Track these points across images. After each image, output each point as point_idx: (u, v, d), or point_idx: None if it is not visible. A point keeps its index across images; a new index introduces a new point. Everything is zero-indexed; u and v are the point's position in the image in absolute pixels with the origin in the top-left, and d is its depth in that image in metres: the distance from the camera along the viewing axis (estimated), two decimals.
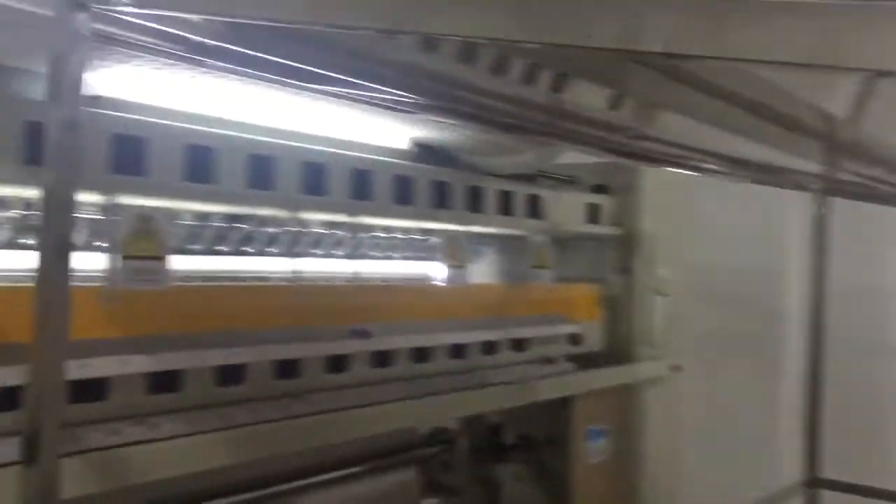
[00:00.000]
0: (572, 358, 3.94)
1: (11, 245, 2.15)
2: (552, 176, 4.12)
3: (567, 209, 3.94)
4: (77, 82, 1.42)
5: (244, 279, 2.79)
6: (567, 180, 4.23)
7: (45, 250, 1.46)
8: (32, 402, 1.52)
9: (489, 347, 3.48)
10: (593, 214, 4.10)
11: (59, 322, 1.49)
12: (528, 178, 3.89)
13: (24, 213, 2.17)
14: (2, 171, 1.94)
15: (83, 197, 2.18)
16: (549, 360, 3.87)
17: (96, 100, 2.24)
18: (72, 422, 2.08)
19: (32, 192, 2.08)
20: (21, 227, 2.18)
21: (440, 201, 3.17)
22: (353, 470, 3.23)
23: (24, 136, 1.96)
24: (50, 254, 1.46)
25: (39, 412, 1.52)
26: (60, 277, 1.47)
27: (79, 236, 2.20)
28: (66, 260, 1.47)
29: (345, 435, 2.63)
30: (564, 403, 3.84)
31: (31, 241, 2.18)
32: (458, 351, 3.31)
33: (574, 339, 3.96)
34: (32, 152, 1.96)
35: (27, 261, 2.23)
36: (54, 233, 1.46)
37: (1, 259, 2.18)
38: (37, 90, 2.17)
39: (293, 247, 2.83)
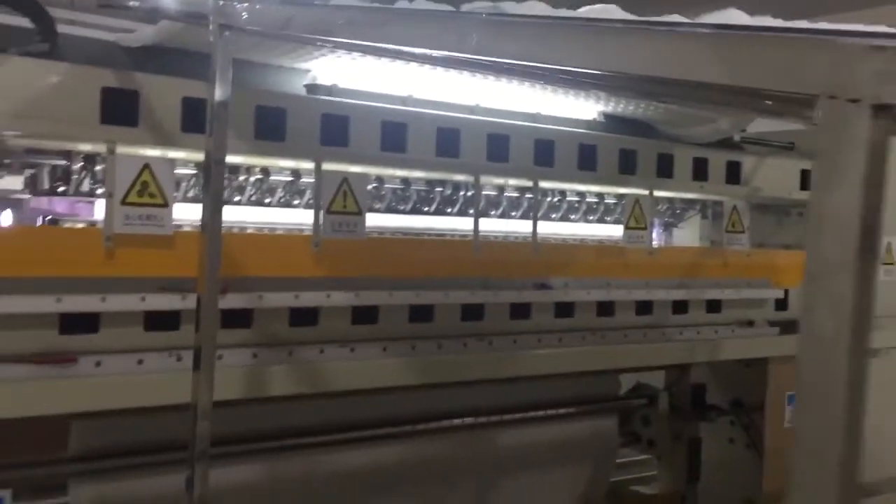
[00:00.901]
0: (777, 323, 3.98)
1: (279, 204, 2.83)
2: (765, 143, 4.15)
3: (777, 175, 3.97)
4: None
5: (443, 235, 3.26)
6: (784, 147, 4.23)
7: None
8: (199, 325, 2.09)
9: (680, 307, 3.66)
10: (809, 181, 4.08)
11: (214, 262, 2.04)
12: (733, 145, 3.98)
13: (260, 177, 2.79)
14: (241, 146, 2.54)
15: (303, 165, 2.76)
16: (748, 323, 3.95)
17: (313, 87, 2.80)
18: (290, 341, 2.66)
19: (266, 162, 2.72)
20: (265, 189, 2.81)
21: (628, 168, 3.41)
22: (558, 411, 3.61)
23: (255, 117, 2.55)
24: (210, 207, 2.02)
25: (203, 333, 2.08)
26: (215, 226, 2.03)
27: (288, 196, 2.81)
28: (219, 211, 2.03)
29: (517, 370, 3.02)
30: (765, 367, 3.91)
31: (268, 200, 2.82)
32: (645, 308, 3.54)
33: (779, 303, 3.99)
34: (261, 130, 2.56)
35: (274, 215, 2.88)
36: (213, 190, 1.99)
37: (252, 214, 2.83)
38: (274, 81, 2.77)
39: (485, 208, 3.25)
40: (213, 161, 2.04)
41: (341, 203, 2.70)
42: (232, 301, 2.49)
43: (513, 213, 3.33)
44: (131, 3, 2.46)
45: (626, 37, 1.17)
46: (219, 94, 1.99)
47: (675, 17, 1.23)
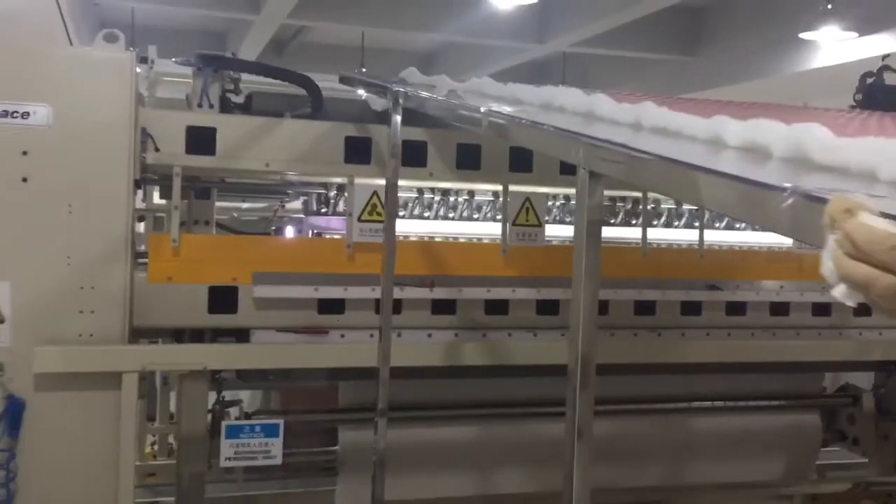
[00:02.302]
0: None
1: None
2: None
3: None
4: None
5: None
6: None
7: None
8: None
9: (862, 309, 3.90)
10: None
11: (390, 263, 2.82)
12: None
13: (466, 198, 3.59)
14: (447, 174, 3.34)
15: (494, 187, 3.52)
16: None
17: None
18: (485, 326, 3.41)
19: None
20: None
21: None
22: (762, 403, 4.01)
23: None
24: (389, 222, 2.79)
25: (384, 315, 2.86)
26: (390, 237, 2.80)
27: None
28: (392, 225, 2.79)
29: (684, 356, 3.53)
30: None
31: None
32: (822, 309, 3.84)
33: None
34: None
35: None
36: None
37: None
38: None
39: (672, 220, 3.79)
40: (388, 186, 2.87)
41: (524, 217, 3.41)
42: (438, 293, 3.30)
43: (675, 223, 3.83)
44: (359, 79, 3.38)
45: None
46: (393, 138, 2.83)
47: None
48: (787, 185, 1.05)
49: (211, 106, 3.28)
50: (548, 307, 3.49)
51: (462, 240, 3.70)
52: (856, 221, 0.86)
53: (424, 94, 2.60)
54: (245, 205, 3.98)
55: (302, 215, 3.70)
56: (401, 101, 2.75)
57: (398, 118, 2.86)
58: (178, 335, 3.26)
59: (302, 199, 3.70)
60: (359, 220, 3.26)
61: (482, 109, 2.20)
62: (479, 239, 3.64)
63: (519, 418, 3.62)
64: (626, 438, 3.68)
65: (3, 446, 2.83)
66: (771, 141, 1.30)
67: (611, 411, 3.61)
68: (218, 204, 3.82)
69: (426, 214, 3.63)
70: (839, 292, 0.88)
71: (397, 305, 3.33)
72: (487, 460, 3.61)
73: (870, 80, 4.21)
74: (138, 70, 3.07)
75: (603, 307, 3.57)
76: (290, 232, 3.82)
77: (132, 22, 8.97)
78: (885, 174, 1.08)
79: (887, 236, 0.83)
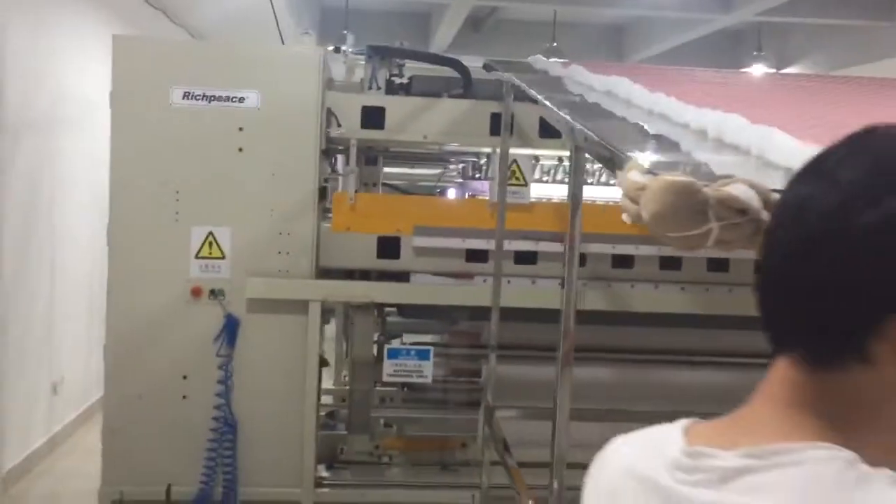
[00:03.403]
0: None
1: None
2: None
3: None
4: None
5: None
6: None
7: None
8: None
9: None
10: None
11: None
12: None
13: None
14: None
15: None
16: None
17: None
18: (610, 277, 3.92)
19: None
20: None
21: None
22: None
23: None
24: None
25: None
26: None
27: None
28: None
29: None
30: None
31: None
32: None
33: None
34: None
35: None
36: None
37: None
38: None
39: None
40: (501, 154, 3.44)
41: None
42: None
43: None
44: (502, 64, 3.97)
45: None
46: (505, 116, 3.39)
47: None
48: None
49: (379, 88, 4.01)
50: (669, 263, 3.93)
51: (598, 202, 4.22)
52: (625, 175, 1.38)
53: (521, 82, 3.11)
54: (417, 171, 4.70)
55: (460, 180, 4.37)
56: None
57: (510, 99, 3.43)
58: (350, 276, 4.05)
59: (460, 166, 4.36)
60: (500, 184, 3.87)
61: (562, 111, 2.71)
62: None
63: (641, 363, 4.12)
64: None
65: (224, 353, 3.74)
66: (709, 127, 1.76)
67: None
68: (394, 170, 4.58)
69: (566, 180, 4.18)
70: (624, 218, 1.40)
71: (533, 257, 3.92)
72: (614, 399, 4.13)
73: None
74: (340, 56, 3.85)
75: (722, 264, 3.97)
76: (451, 193, 4.50)
77: (346, 7, 10.05)
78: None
79: (632, 184, 1.35)
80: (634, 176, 1.40)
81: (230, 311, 3.75)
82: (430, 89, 4.01)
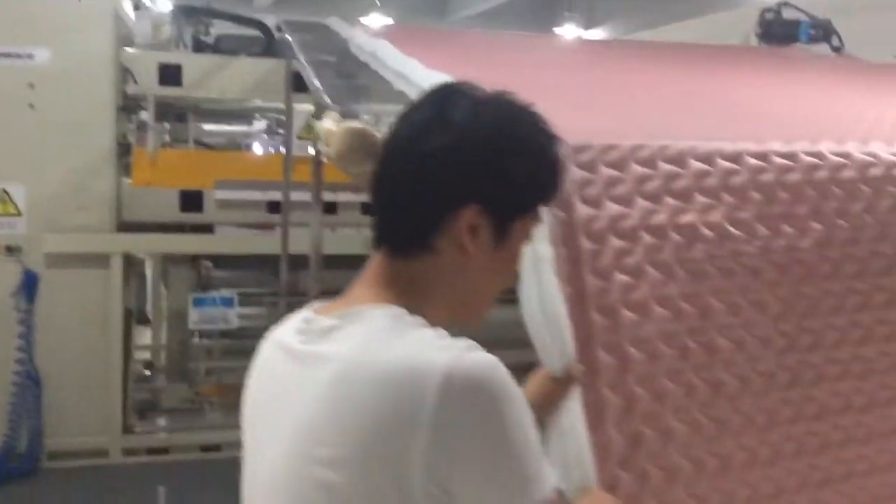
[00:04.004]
0: None
1: None
2: None
3: None
4: None
5: None
6: None
7: None
8: None
9: None
10: None
11: None
12: None
13: None
14: None
15: None
16: None
17: None
18: None
19: None
20: None
21: None
22: None
23: None
24: None
25: None
26: None
27: None
28: None
29: None
30: None
31: None
32: None
33: None
34: None
35: None
36: None
37: None
38: None
39: None
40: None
41: None
42: (364, 198, 4.10)
43: None
44: None
45: None
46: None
47: None
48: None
49: (186, 46, 4.10)
50: None
51: None
52: (321, 123, 1.65)
53: (295, 43, 3.25)
54: (229, 127, 4.80)
55: (265, 135, 4.53)
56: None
57: (292, 59, 3.60)
58: (164, 230, 4.15)
59: (265, 123, 4.52)
60: (297, 138, 4.06)
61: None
62: None
63: None
64: None
65: (23, 308, 3.78)
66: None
67: None
68: (216, 128, 4.68)
69: None
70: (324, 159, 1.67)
71: (333, 207, 4.14)
72: None
73: (769, 16, 4.75)
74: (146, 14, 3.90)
75: None
76: (257, 149, 4.64)
77: None
78: None
79: (325, 130, 1.62)
80: (327, 123, 1.65)
81: (28, 267, 3.78)
82: (236, 48, 4.13)
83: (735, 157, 1.41)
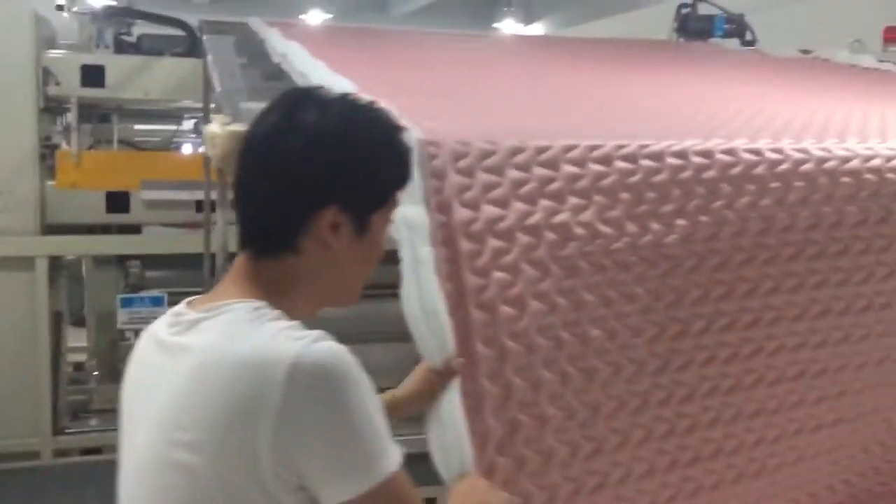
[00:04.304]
0: None
1: None
2: None
3: None
4: None
5: None
6: None
7: None
8: None
9: None
10: None
11: None
12: None
13: None
14: None
15: None
16: None
17: None
18: None
19: None
20: None
21: None
22: None
23: None
24: None
25: None
26: None
27: None
28: None
29: None
30: None
31: None
32: None
33: None
34: None
35: None
36: None
37: None
38: None
39: None
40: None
41: None
42: None
43: None
44: None
45: None
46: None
47: None
48: None
49: (107, 47, 4.08)
50: None
51: None
52: (208, 127, 1.71)
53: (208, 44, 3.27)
54: (153, 127, 4.80)
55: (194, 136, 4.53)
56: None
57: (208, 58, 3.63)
58: (91, 232, 4.14)
59: (194, 121, 4.52)
60: None
61: None
62: None
63: None
64: None
65: None
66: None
67: None
68: (147, 127, 4.67)
69: None
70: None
71: None
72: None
73: (685, 11, 4.89)
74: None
75: None
76: (187, 148, 4.65)
77: None
78: None
79: (210, 133, 1.69)
80: (213, 126, 1.71)
81: None
82: (159, 48, 4.13)
83: (605, 160, 1.51)
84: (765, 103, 2.10)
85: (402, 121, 1.31)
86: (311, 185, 1.06)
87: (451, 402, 1.31)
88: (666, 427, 1.48)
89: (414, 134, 1.40)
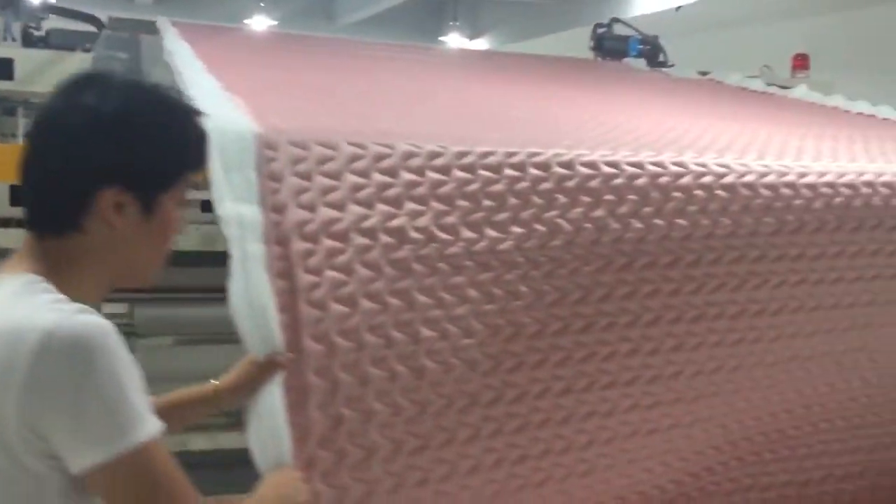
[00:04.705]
0: None
1: None
2: None
3: None
4: None
5: None
6: None
7: None
8: None
9: None
10: None
11: None
12: None
13: None
14: None
15: None
16: None
17: None
18: None
19: None
20: None
21: None
22: None
23: None
24: None
25: None
26: None
27: None
28: None
29: None
30: None
31: None
32: None
33: None
34: None
35: None
36: None
37: None
38: None
39: None
40: None
41: None
42: None
43: None
44: None
45: None
46: None
47: None
48: None
49: (14, 40, 4.04)
50: None
51: None
52: None
53: (102, 41, 3.27)
54: None
55: None
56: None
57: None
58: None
59: None
60: None
61: None
62: None
63: None
64: None
65: None
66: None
67: None
68: None
69: None
70: None
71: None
72: None
73: (601, 30, 5.01)
74: None
75: None
76: None
77: None
78: None
79: None
80: None
81: None
82: (70, 43, 4.09)
83: (444, 169, 1.56)
84: (629, 118, 2.18)
85: (241, 117, 1.35)
86: (90, 165, 1.08)
87: (272, 395, 1.34)
88: (494, 426, 1.54)
89: (252, 136, 1.45)
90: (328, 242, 1.44)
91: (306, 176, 1.47)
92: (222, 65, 2.28)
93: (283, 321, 1.37)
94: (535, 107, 2.31)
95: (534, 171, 1.60)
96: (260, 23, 11.96)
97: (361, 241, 1.46)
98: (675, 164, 1.68)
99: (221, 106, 1.61)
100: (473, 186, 1.57)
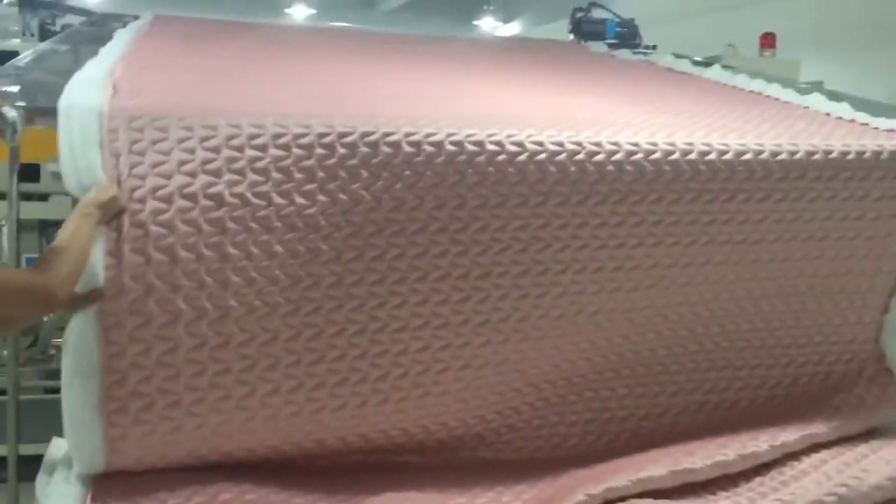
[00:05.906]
0: None
1: None
2: None
3: None
4: None
5: None
6: None
7: None
8: None
9: None
10: None
11: None
12: None
13: None
14: None
15: None
16: None
17: None
18: None
19: None
20: None
21: None
22: None
23: None
24: None
25: None
26: None
27: None
28: None
29: None
30: None
31: None
32: None
33: None
34: None
35: None
36: None
37: None
38: None
39: None
40: None
41: None
42: None
43: None
44: None
45: None
46: None
47: None
48: None
49: (32, 35, 4.53)
50: None
51: None
52: None
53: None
54: None
55: None
56: None
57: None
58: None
59: None
60: None
61: None
62: None
63: None
64: None
65: None
66: None
67: None
68: None
69: None
70: None
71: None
72: None
73: (580, 14, 5.23)
74: None
75: None
76: None
77: None
78: None
79: None
80: None
81: None
82: None
83: (262, 147, 1.91)
84: (481, 98, 2.48)
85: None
86: None
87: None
88: (294, 358, 1.88)
89: (96, 114, 1.84)
90: (154, 203, 1.81)
91: (141, 153, 1.84)
92: (150, 53, 2.65)
93: (107, 263, 1.75)
94: (385, 86, 2.57)
95: (342, 150, 1.93)
96: (300, 12, 12.39)
97: (183, 203, 1.83)
98: (453, 142, 1.98)
99: (89, 90, 1.99)
100: (286, 162, 1.91)
